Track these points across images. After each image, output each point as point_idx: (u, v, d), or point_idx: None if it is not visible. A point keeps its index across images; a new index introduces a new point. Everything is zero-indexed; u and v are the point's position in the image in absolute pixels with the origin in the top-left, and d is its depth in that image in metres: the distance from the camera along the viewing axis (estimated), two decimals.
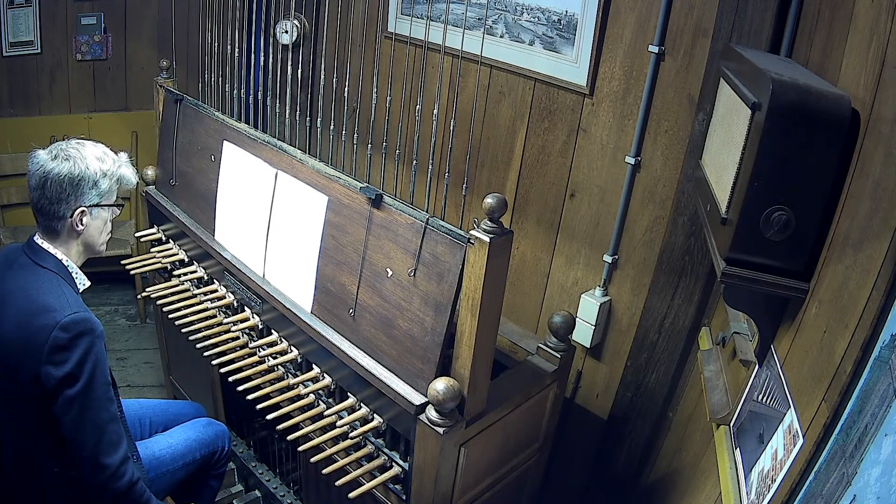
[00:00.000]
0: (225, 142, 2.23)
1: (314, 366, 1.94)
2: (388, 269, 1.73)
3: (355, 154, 2.11)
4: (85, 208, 1.62)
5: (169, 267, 2.43)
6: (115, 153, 1.72)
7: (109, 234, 1.75)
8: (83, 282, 1.69)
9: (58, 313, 1.49)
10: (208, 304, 2.24)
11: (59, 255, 1.63)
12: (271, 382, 1.96)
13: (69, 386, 1.49)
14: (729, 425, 1.53)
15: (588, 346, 2.29)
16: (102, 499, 1.57)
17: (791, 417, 1.22)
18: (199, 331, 2.11)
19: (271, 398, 1.88)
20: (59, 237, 1.63)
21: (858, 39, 1.28)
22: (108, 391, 1.56)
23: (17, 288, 1.56)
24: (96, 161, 1.62)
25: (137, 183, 1.76)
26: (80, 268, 1.69)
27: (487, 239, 1.48)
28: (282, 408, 1.86)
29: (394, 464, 1.76)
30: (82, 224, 1.63)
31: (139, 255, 2.49)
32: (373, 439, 1.80)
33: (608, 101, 2.12)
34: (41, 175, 1.57)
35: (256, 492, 2.47)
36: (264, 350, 2.02)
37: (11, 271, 1.60)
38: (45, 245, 1.63)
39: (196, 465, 2.02)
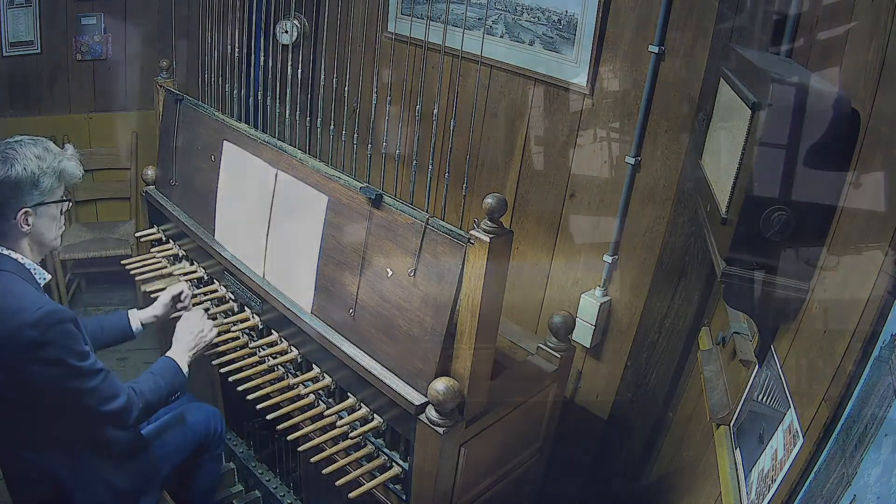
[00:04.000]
0: (225, 142, 2.23)
1: (314, 366, 1.94)
2: (388, 269, 1.72)
3: (355, 154, 2.11)
4: (28, 209, 1.59)
5: (169, 267, 2.43)
6: (61, 146, 1.68)
7: (62, 228, 1.72)
8: (43, 276, 1.68)
9: (24, 313, 1.49)
10: (209, 305, 2.24)
11: (14, 255, 1.61)
12: (271, 382, 1.96)
13: (60, 372, 1.54)
14: (729, 425, 1.53)
15: (588, 346, 2.28)
16: (120, 433, 1.76)
17: (791, 417, 1.22)
18: None
19: (271, 398, 1.88)
20: (7, 238, 1.61)
21: (858, 39, 1.28)
22: (87, 359, 1.59)
23: None
24: (35, 160, 1.59)
25: (83, 175, 1.72)
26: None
27: (487, 239, 1.48)
28: (282, 408, 1.86)
29: (394, 464, 1.76)
30: (28, 224, 1.60)
31: (139, 255, 2.49)
32: (373, 439, 1.80)
33: (608, 101, 2.12)
34: None
35: (256, 492, 2.47)
36: (264, 350, 2.02)
37: None
38: None
39: (189, 448, 2.02)
